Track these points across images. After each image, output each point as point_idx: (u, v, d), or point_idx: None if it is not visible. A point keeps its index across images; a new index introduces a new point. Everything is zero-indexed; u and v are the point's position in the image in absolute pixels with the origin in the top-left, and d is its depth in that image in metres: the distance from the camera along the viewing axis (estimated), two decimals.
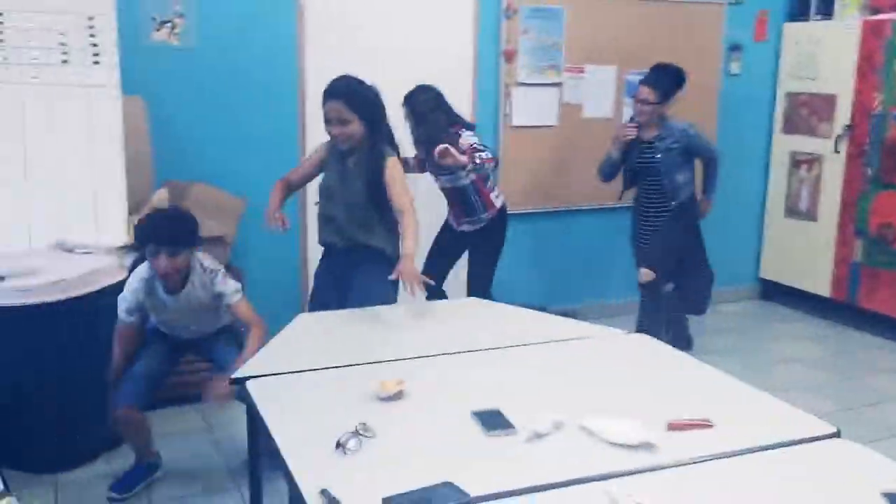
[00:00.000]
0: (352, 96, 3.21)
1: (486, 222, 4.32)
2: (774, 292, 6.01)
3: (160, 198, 3.86)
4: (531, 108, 5.13)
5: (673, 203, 4.51)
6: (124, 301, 3.12)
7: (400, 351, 2.58)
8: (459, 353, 2.61)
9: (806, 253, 5.66)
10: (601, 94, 5.31)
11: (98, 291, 3.32)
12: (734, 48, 5.61)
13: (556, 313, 3.16)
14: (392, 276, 3.01)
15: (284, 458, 1.89)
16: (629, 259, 4.84)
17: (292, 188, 3.53)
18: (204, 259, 3.15)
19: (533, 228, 5.31)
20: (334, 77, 3.33)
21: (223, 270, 3.17)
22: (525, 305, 3.22)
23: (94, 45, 3.91)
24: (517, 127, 5.11)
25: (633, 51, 5.26)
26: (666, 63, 4.50)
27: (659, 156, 4.45)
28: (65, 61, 3.84)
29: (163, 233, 2.99)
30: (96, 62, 3.87)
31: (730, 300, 5.92)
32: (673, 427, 2.05)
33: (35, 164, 3.76)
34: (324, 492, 1.71)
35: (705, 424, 2.07)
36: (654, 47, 5.22)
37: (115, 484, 3.20)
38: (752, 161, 5.90)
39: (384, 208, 3.25)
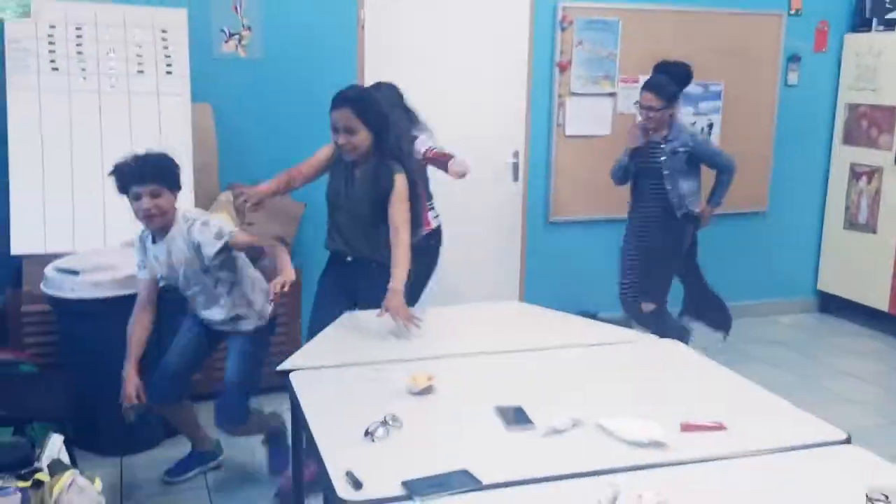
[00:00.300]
0: (362, 105, 3.13)
1: (419, 240, 3.59)
2: (832, 305, 5.94)
3: (226, 199, 4.09)
4: (585, 117, 5.22)
5: (678, 213, 4.28)
6: (136, 259, 3.15)
7: (434, 349, 2.73)
8: (490, 353, 2.74)
9: (865, 266, 5.59)
10: None
11: (163, 287, 3.55)
12: (793, 59, 5.59)
13: (608, 321, 3.24)
14: (378, 314, 2.90)
15: (316, 442, 2.06)
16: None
17: (292, 183, 3.37)
18: (188, 212, 3.07)
19: (585, 236, 5.39)
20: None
21: (205, 219, 3.01)
22: (578, 313, 3.28)
23: (168, 56, 4.19)
24: (571, 136, 5.21)
25: (689, 61, 5.29)
26: (668, 62, 4.33)
27: (663, 158, 4.23)
28: (140, 71, 4.12)
29: (143, 171, 2.89)
30: (169, 72, 4.14)
31: (787, 312, 5.89)
32: (686, 428, 2.14)
33: (109, 161, 4.03)
34: (348, 473, 1.87)
35: (718, 427, 2.15)
36: (710, 57, 5.27)
37: (170, 468, 3.42)
38: (810, 172, 5.85)
39: (378, 223, 3.19)
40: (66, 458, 2.26)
